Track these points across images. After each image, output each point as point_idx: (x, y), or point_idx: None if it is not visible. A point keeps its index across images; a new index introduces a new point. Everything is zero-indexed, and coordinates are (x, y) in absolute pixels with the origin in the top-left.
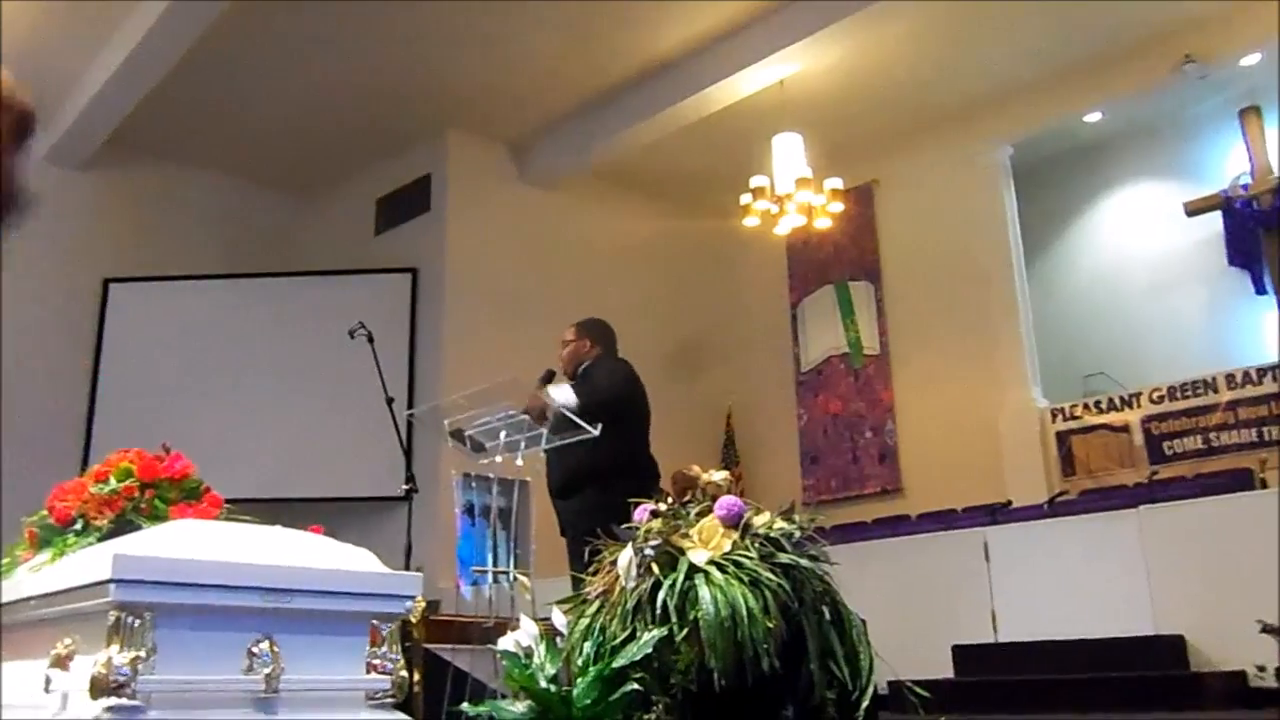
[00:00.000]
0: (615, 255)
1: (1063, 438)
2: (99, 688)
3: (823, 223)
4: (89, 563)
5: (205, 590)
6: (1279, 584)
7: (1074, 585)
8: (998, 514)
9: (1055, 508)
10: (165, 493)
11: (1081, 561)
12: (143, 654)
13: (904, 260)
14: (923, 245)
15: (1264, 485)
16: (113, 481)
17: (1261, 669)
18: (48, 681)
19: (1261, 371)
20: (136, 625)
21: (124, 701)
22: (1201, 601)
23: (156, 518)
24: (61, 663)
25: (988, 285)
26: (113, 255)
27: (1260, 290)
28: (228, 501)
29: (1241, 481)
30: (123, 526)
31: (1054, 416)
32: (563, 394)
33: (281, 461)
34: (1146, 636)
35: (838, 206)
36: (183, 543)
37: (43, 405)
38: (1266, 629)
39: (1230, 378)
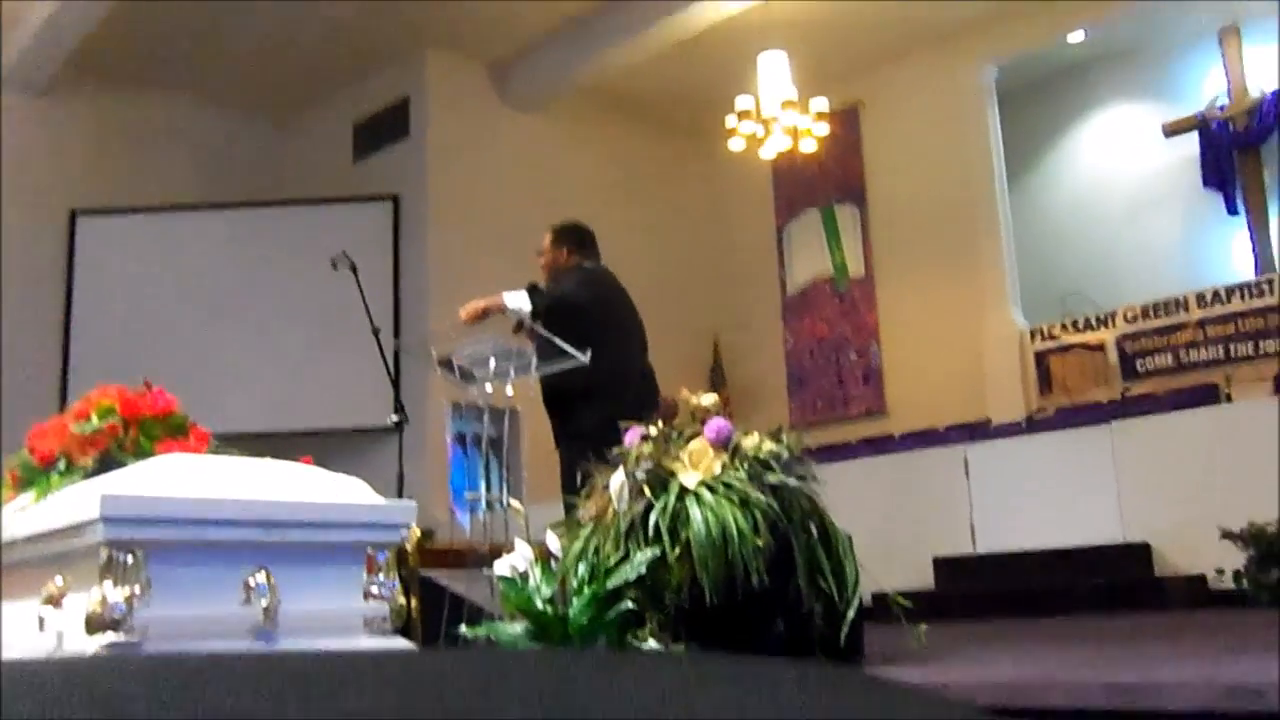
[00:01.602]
0: (599, 179)
1: (1041, 357)
2: (95, 624)
3: (808, 145)
4: (77, 502)
5: (198, 526)
6: (1238, 493)
7: (1049, 498)
8: (978, 432)
9: (1033, 425)
10: (150, 429)
11: (1057, 476)
12: (137, 590)
13: (889, 183)
14: (907, 167)
15: (1229, 400)
16: (95, 420)
17: (1220, 572)
18: (41, 621)
19: (1230, 291)
20: (129, 562)
21: (121, 637)
22: (1168, 511)
23: (142, 455)
24: (54, 601)
25: (971, 207)
26: (79, 186)
27: (1232, 211)
28: (216, 437)
29: (1209, 397)
30: (107, 464)
31: (1033, 336)
32: (516, 299)
33: (267, 394)
34: (1116, 545)
35: (823, 129)
36: (172, 479)
37: (12, 344)
38: (1226, 535)
39: (1200, 297)
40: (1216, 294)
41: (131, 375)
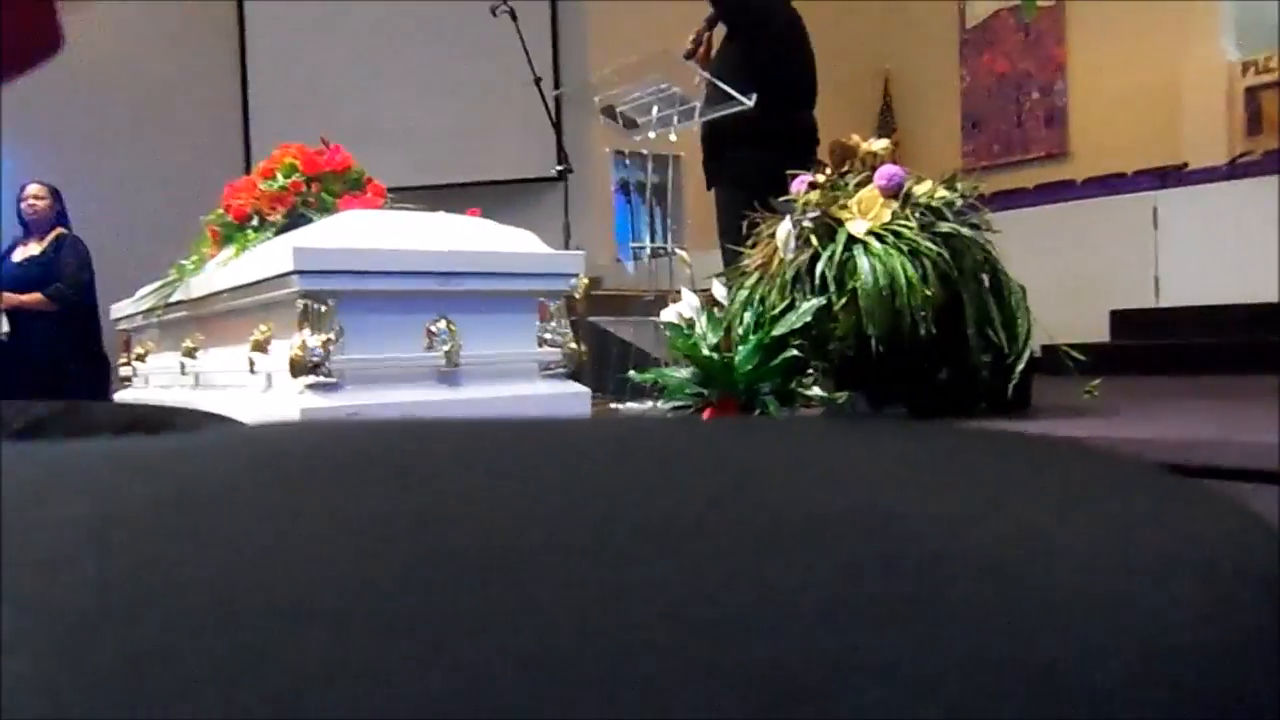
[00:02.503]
0: None
1: (1253, 93)
2: (297, 367)
3: None
4: (272, 256)
5: (383, 277)
6: None
7: (1245, 251)
8: (1170, 178)
9: (1235, 170)
10: (330, 185)
11: (1256, 225)
12: (331, 336)
13: None
14: None
15: None
16: (280, 178)
17: None
18: (251, 364)
19: None
20: (322, 311)
21: (321, 379)
22: None
23: (325, 210)
24: (261, 347)
25: None
26: None
27: None
28: (389, 191)
29: None
30: (295, 220)
31: (1245, 70)
32: None
33: (432, 149)
34: None
35: None
36: (357, 232)
37: (196, 102)
38: None
39: None
40: None
41: (306, 131)
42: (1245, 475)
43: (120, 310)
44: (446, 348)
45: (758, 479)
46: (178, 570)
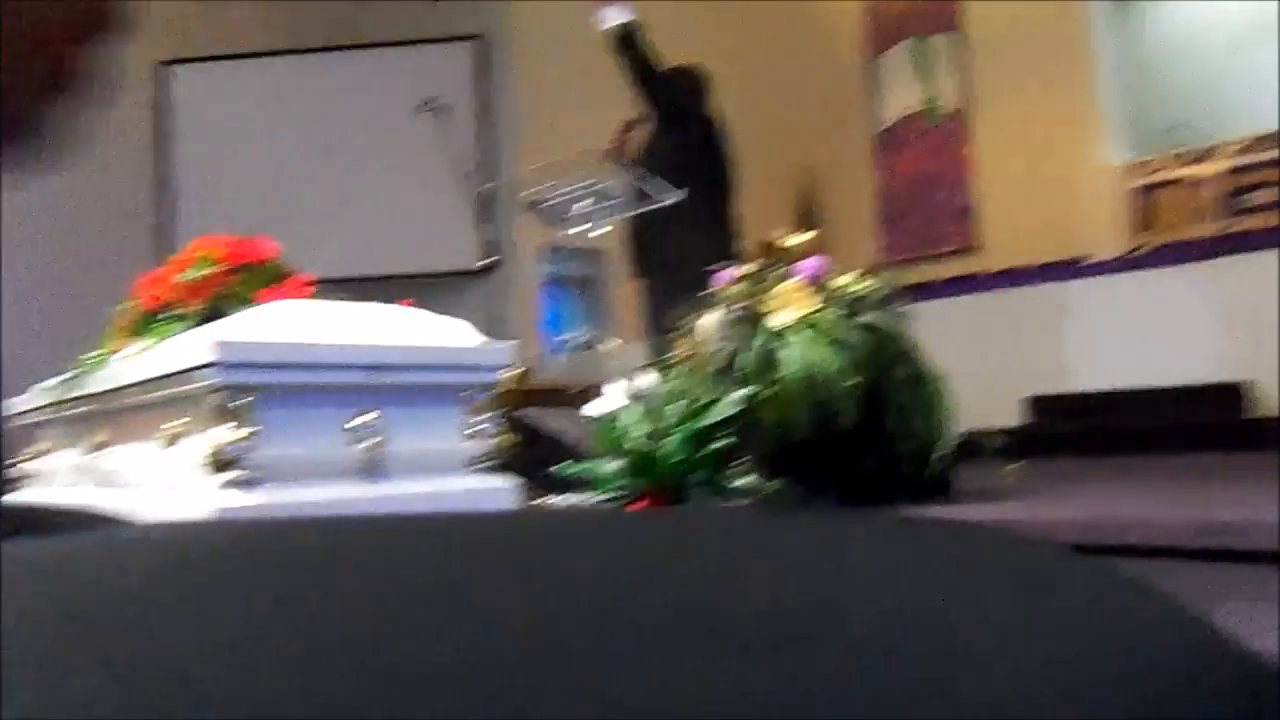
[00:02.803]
0: (689, 14)
1: (1141, 192)
2: (214, 464)
3: None
4: (189, 348)
5: (308, 369)
6: None
7: (1146, 336)
8: (1073, 269)
9: (1131, 262)
10: (253, 276)
11: (1154, 313)
12: (250, 432)
13: (985, 11)
14: None
15: None
16: (198, 268)
17: None
18: (161, 461)
19: None
20: (242, 405)
21: (239, 476)
22: (1269, 351)
23: (246, 302)
24: (174, 442)
25: (1070, 36)
26: (161, 39)
27: None
28: (316, 283)
29: None
30: (214, 311)
31: (1133, 170)
32: (621, 12)
33: (360, 240)
34: (1212, 384)
35: None
36: (282, 323)
37: (107, 194)
38: None
39: None
40: None
41: (227, 224)
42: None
43: (19, 405)
44: (371, 442)
45: (684, 571)
46: (72, 677)
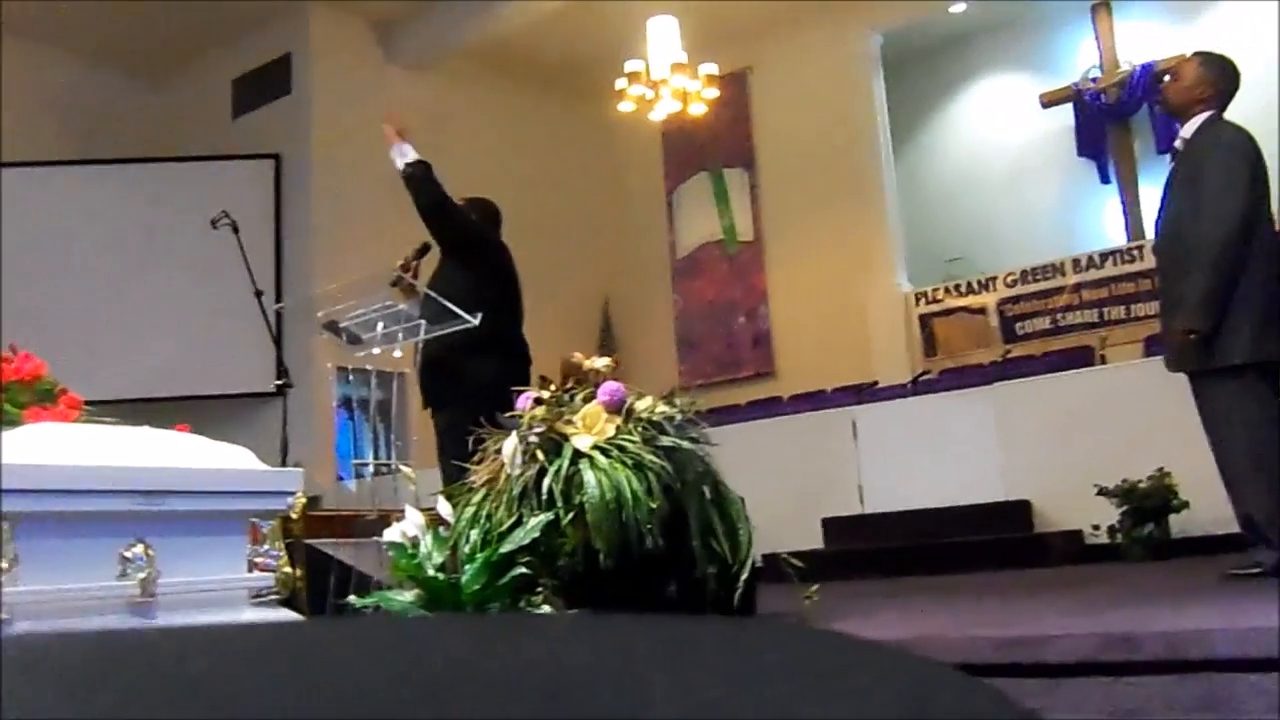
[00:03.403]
0: (487, 140)
1: (925, 320)
2: None
3: (697, 109)
4: None
5: (69, 496)
6: (1111, 451)
7: (934, 458)
8: (864, 394)
9: (918, 387)
10: (16, 396)
11: (940, 436)
12: (4, 565)
13: (777, 146)
14: (795, 132)
15: (1104, 361)
16: None
17: (1096, 528)
18: None
19: (1104, 256)
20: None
21: None
22: (1046, 469)
23: (9, 423)
24: None
25: (856, 172)
26: None
27: (1105, 180)
28: (88, 404)
29: (1084, 358)
30: None
31: (917, 300)
32: (407, 152)
33: (145, 360)
34: (998, 503)
35: (713, 92)
36: (42, 447)
37: None
38: (1102, 492)
39: (1076, 262)
40: (1091, 259)
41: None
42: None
43: None
44: (141, 575)
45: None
46: None
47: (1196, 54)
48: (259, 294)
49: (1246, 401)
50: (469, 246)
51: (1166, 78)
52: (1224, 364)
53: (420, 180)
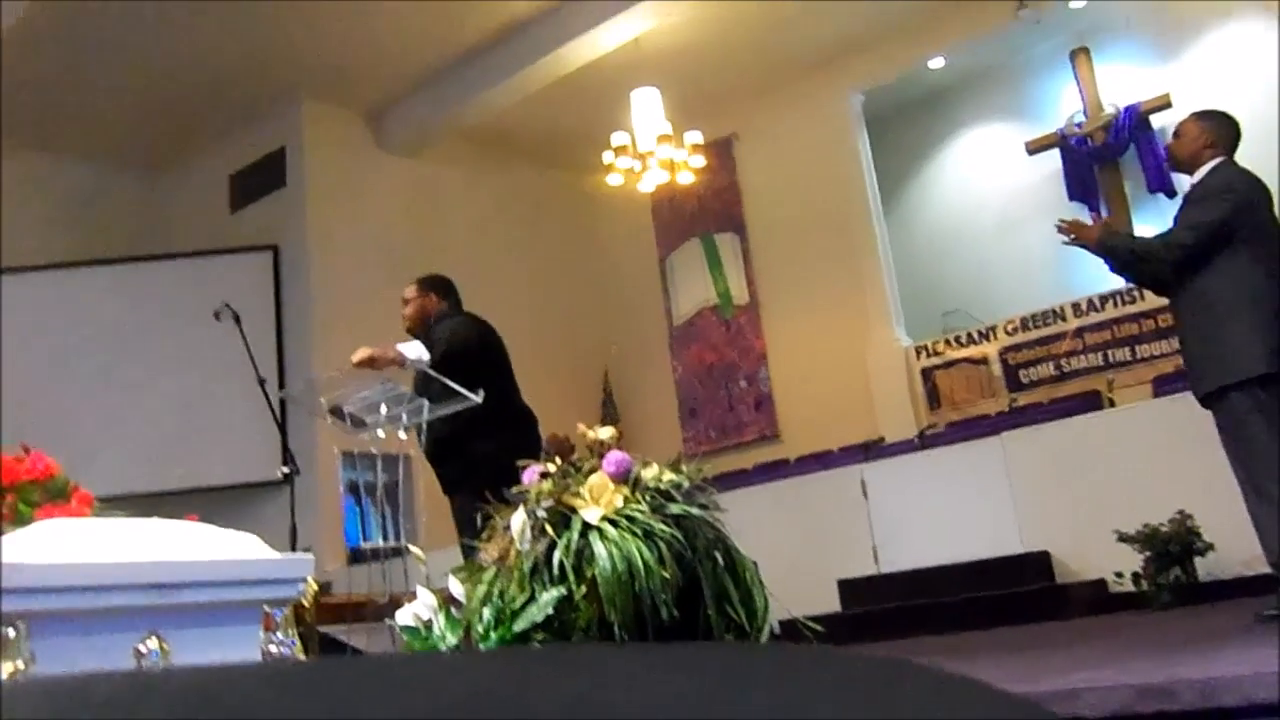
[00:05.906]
0: (480, 219)
1: (927, 373)
2: None
3: (685, 177)
4: None
5: (83, 593)
6: (1129, 495)
7: (946, 513)
8: (871, 451)
9: (925, 441)
10: (28, 495)
11: (952, 490)
12: (20, 665)
13: (766, 210)
14: (783, 194)
15: (1112, 404)
16: None
17: (1119, 575)
18: None
19: (1104, 299)
20: (11, 637)
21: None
22: (1063, 518)
23: (21, 522)
24: None
25: (848, 230)
26: None
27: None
28: (99, 499)
29: (1092, 403)
30: None
31: (918, 354)
32: (413, 349)
33: (152, 453)
34: (1015, 555)
35: (699, 160)
36: (54, 545)
37: None
38: (1123, 538)
39: (1076, 306)
40: (1091, 303)
41: (9, 439)
42: None
43: None
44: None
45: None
46: None
47: (1193, 113)
48: (262, 382)
49: (1271, 414)
50: (466, 355)
51: (1171, 138)
52: (1245, 377)
53: (440, 356)
